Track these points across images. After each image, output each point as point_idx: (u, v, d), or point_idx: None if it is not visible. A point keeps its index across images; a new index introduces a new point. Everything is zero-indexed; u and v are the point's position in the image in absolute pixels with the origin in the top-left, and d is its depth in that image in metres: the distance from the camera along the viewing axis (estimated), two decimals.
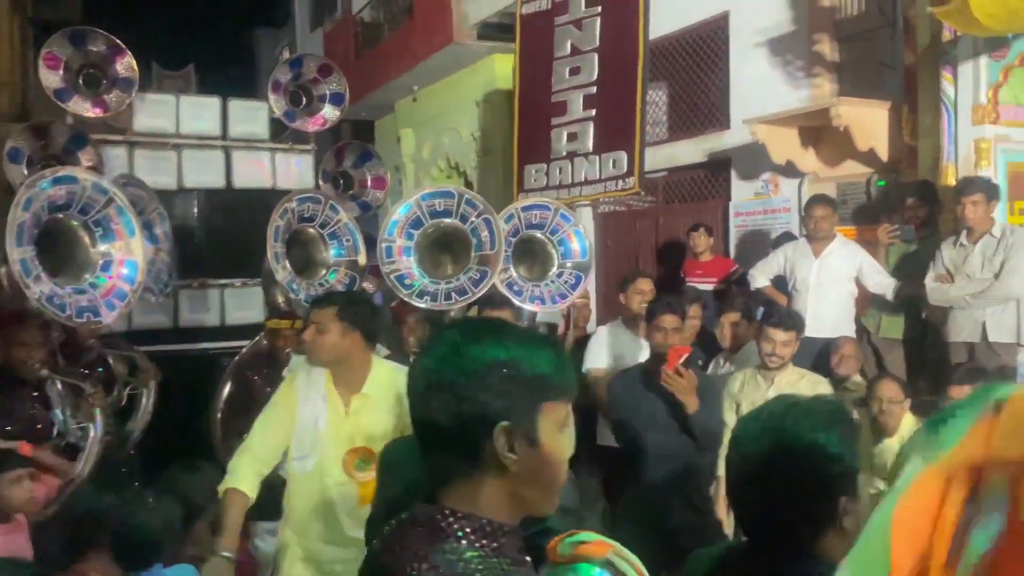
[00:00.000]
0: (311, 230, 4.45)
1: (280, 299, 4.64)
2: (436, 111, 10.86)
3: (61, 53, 5.16)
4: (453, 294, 4.03)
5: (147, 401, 4.32)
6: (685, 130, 7.59)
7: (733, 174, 7.07)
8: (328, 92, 5.93)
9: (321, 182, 5.91)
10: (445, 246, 4.20)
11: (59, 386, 3.44)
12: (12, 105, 14.07)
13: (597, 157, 5.84)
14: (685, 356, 3.24)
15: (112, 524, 2.41)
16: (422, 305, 4.03)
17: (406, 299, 3.95)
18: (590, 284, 7.64)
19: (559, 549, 1.12)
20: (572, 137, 6.16)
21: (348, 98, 6.04)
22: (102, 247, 3.69)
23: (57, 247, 3.53)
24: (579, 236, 4.40)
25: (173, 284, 5.09)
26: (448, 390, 1.09)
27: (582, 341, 4.98)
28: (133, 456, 4.35)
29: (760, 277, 5.24)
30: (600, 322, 5.57)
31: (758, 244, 6.29)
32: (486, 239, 4.06)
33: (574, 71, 6.27)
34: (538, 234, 4.39)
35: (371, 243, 4.88)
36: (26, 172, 5.01)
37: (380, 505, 2.06)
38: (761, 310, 4.91)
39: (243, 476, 2.66)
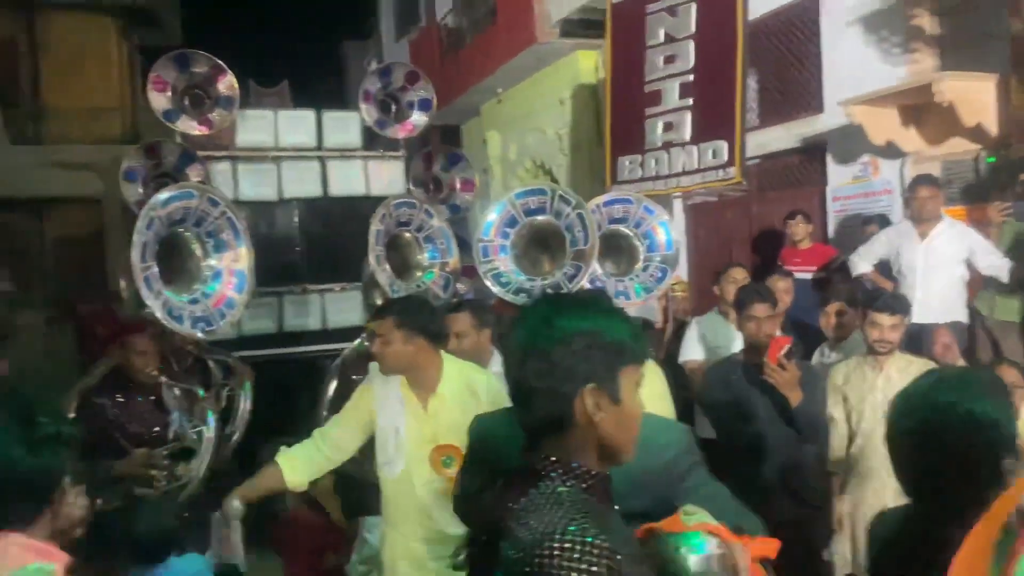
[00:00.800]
0: (407, 234, 4.58)
1: (379, 301, 4.78)
2: (521, 111, 10.93)
3: (167, 76, 5.46)
4: (549, 291, 4.07)
5: (244, 403, 4.47)
6: (777, 115, 7.40)
7: (829, 158, 6.84)
8: (416, 99, 6.06)
9: (412, 187, 6.05)
10: (540, 243, 4.25)
11: (176, 391, 3.63)
12: (124, 129, 15.00)
13: (695, 147, 5.74)
14: (786, 347, 3.17)
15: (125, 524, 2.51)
16: (519, 302, 4.08)
17: (503, 297, 4.01)
18: (682, 276, 7.56)
19: (681, 519, 1.27)
20: (668, 127, 6.07)
21: (435, 103, 6.16)
22: (213, 258, 3.87)
23: (173, 258, 3.73)
24: (664, 228, 4.37)
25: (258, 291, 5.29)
26: (541, 357, 1.27)
27: (678, 334, 4.94)
28: (232, 458, 4.49)
29: (862, 263, 5.07)
30: (694, 314, 5.49)
31: (858, 230, 6.07)
32: (580, 235, 4.08)
33: (669, 59, 6.18)
34: (622, 228, 4.37)
35: (461, 245, 4.97)
36: (141, 191, 5.33)
37: (467, 479, 2.11)
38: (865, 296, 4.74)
39: (291, 457, 2.82)
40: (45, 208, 14.18)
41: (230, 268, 3.90)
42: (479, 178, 6.70)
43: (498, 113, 11.61)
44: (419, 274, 4.62)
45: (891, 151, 6.06)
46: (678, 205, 8.28)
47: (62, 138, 14.23)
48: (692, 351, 4.55)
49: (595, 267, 4.35)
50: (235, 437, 4.22)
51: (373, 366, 2.86)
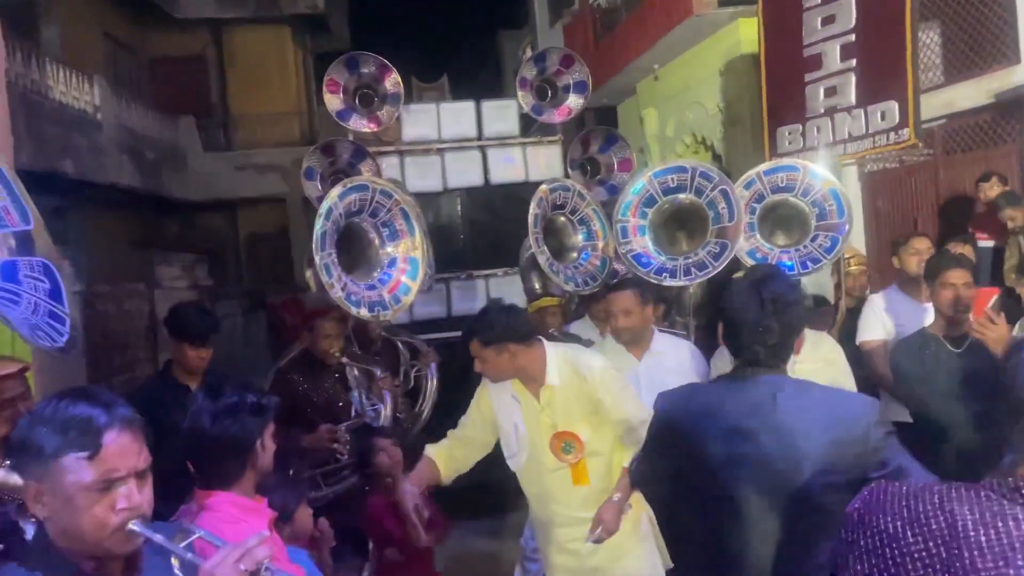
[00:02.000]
0: (562, 218, 4.63)
1: (536, 284, 4.87)
2: (678, 87, 10.68)
3: (340, 78, 5.82)
4: (693, 269, 3.97)
5: (431, 382, 4.69)
6: (964, 71, 6.78)
7: None
8: (571, 82, 6.10)
9: (569, 170, 6.09)
10: (681, 222, 4.15)
11: (356, 371, 3.87)
12: (303, 131, 16.09)
13: (862, 111, 5.34)
14: (994, 299, 2.92)
15: None
16: (662, 283, 4.02)
17: (645, 278, 3.96)
18: (861, 251, 7.11)
19: None
20: (830, 92, 5.68)
21: (590, 85, 6.16)
22: (389, 247, 4.06)
23: (352, 247, 3.96)
24: (835, 195, 4.10)
25: (433, 277, 5.51)
26: None
27: (855, 312, 4.66)
28: (423, 437, 4.75)
29: None
30: (873, 291, 5.16)
31: None
32: (724, 211, 3.94)
33: (827, 20, 5.81)
34: (789, 197, 4.15)
35: None
36: (319, 187, 5.73)
37: (653, 458, 2.13)
38: None
39: (437, 449, 3.03)
40: (237, 208, 15.53)
41: (404, 255, 4.08)
42: (636, 157, 6.63)
43: (655, 90, 11.40)
44: (574, 255, 4.65)
45: None
46: (853, 175, 7.79)
47: (249, 143, 15.50)
48: (872, 330, 4.26)
49: (758, 240, 4.18)
50: (424, 415, 4.44)
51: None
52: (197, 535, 1.41)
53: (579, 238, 4.71)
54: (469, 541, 5.12)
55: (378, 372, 3.89)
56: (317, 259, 3.51)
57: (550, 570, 2.98)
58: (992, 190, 5.55)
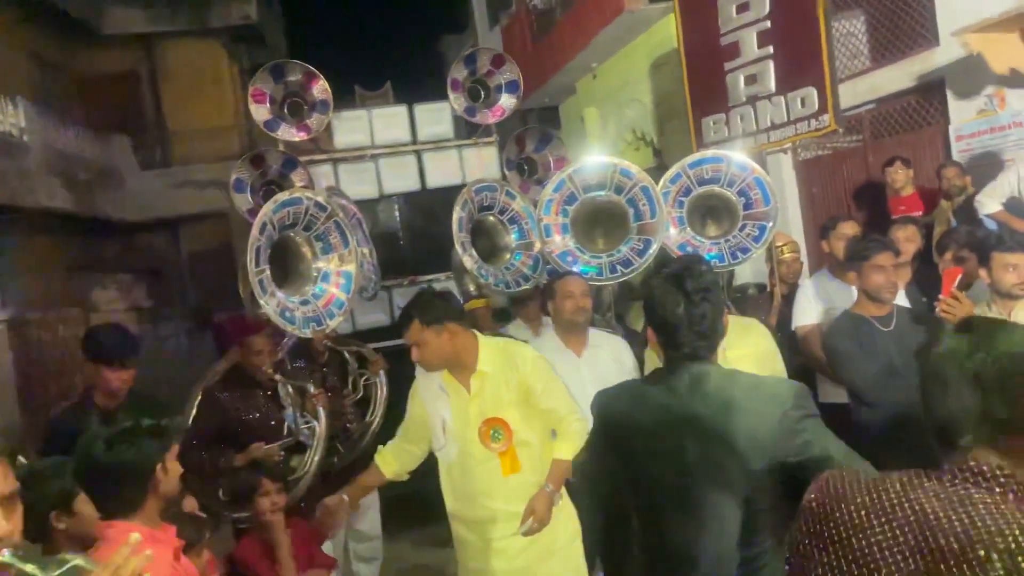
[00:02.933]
0: (491, 218, 4.59)
1: (471, 287, 4.83)
2: (616, 84, 10.74)
3: (265, 88, 5.69)
4: (618, 267, 3.97)
5: (381, 390, 4.60)
6: (888, 55, 6.93)
7: (949, 95, 6.35)
8: (503, 81, 6.06)
9: (506, 171, 6.06)
10: (600, 220, 4.15)
11: (289, 388, 3.78)
12: (241, 145, 15.79)
13: (782, 98, 5.38)
14: (959, 277, 2.98)
15: None
16: (590, 281, 4.02)
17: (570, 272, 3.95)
18: (798, 237, 7.21)
19: None
20: (750, 80, 5.72)
21: (522, 84, 6.13)
22: (322, 260, 4.01)
23: (285, 261, 3.88)
24: (760, 184, 4.13)
25: (379, 284, 5.43)
26: None
27: (790, 298, 4.71)
28: (373, 445, 4.64)
29: (989, 202, 4.68)
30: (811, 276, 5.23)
31: (987, 167, 5.59)
32: (644, 208, 3.96)
33: (742, 8, 5.84)
34: (715, 188, 4.18)
35: None
36: (250, 199, 5.60)
37: (595, 456, 2.10)
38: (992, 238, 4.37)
39: (384, 454, 3.10)
40: (178, 226, 15.17)
41: (337, 270, 4.02)
42: (571, 155, 6.61)
43: (594, 89, 11.46)
44: (507, 256, 4.63)
45: (1018, 79, 5.55)
46: (788, 162, 7.91)
47: (187, 159, 15.16)
48: (805, 315, 4.31)
49: (688, 233, 4.19)
50: (375, 423, 4.36)
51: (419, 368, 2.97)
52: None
53: (512, 238, 4.68)
54: (412, 551, 5.07)
55: (311, 388, 3.79)
56: (250, 272, 3.42)
57: None
58: (896, 174, 5.74)
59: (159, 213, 14.37)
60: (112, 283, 10.83)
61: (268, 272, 3.67)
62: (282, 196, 3.84)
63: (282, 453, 3.54)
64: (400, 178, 6.17)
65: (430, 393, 2.92)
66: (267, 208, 3.69)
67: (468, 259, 4.17)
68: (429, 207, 6.19)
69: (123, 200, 13.80)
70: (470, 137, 6.32)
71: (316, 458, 3.65)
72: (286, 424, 3.69)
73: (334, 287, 4.05)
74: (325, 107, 5.73)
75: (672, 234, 4.08)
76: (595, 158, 4.24)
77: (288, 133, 5.71)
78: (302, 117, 5.78)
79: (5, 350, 6.96)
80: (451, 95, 5.89)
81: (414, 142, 6.20)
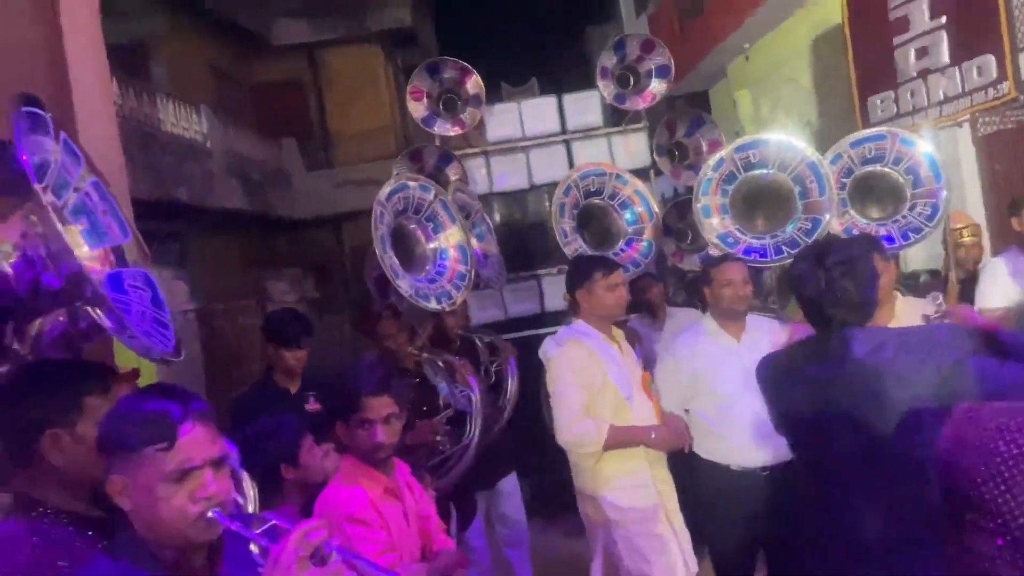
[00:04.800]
0: (598, 202, 4.58)
1: None
2: (771, 65, 10.31)
3: (423, 85, 5.93)
4: (783, 248, 3.80)
5: (511, 379, 4.65)
6: None
7: None
8: (653, 67, 5.99)
9: (656, 157, 5.98)
10: (761, 199, 3.99)
11: (439, 363, 3.91)
12: (398, 144, 16.49)
13: (956, 69, 4.98)
14: None
15: None
16: (752, 264, 3.88)
17: (730, 258, 3.83)
18: (978, 219, 6.64)
19: None
20: (921, 53, 5.33)
21: (673, 68, 6.03)
22: (436, 240, 4.12)
23: (403, 247, 4.00)
24: (930, 160, 3.85)
25: (504, 275, 5.49)
26: None
27: (969, 283, 4.36)
28: (506, 432, 4.57)
29: None
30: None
31: None
32: (812, 185, 3.77)
33: None
34: (879, 168, 3.92)
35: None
36: None
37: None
38: None
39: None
40: (341, 223, 16.07)
41: (453, 245, 4.13)
42: (725, 138, 6.43)
43: (747, 71, 11.06)
44: (620, 242, 4.60)
45: None
46: (967, 138, 7.30)
47: (348, 160, 16.01)
48: (992, 297, 3.97)
49: (852, 215, 3.97)
50: (506, 411, 4.45)
51: (551, 339, 3.20)
52: (272, 522, 1.45)
53: (623, 223, 4.65)
54: (559, 540, 5.10)
55: (456, 360, 3.92)
56: (381, 260, 3.57)
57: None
58: None
59: (323, 211, 15.26)
60: (283, 276, 11.64)
61: (395, 259, 3.80)
62: (390, 185, 3.97)
63: (447, 426, 3.67)
64: (550, 168, 6.23)
65: (606, 354, 3.10)
66: (381, 196, 3.84)
67: (567, 247, 4.20)
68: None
69: (291, 199, 14.78)
70: (618, 125, 6.29)
71: (478, 423, 3.76)
72: (441, 397, 3.83)
73: (454, 262, 4.14)
74: (478, 102, 5.89)
75: (832, 214, 3.88)
76: (757, 135, 4.10)
77: (444, 128, 5.92)
78: (456, 112, 5.97)
79: (195, 337, 7.66)
80: (600, 83, 5.88)
81: (563, 132, 6.25)
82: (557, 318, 6.06)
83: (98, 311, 2.67)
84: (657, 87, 6.00)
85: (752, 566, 3.31)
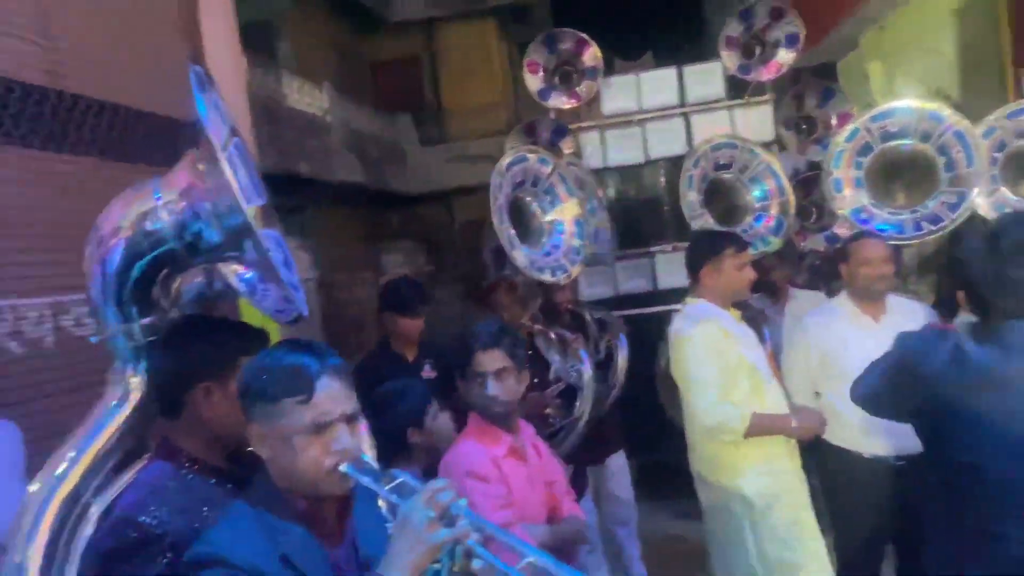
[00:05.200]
0: (727, 176, 4.40)
1: None
2: (909, 35, 9.64)
3: (539, 58, 5.89)
4: (924, 223, 3.54)
5: (621, 355, 4.57)
6: None
7: None
8: (782, 36, 5.72)
9: (783, 130, 5.72)
10: (899, 172, 3.72)
11: (552, 335, 3.89)
12: (508, 120, 16.53)
13: None
14: None
15: None
16: (888, 241, 3.64)
17: (869, 234, 3.60)
18: None
19: None
20: None
21: (803, 37, 5.73)
22: (552, 213, 4.11)
23: (519, 219, 4.00)
24: None
25: (614, 252, 5.40)
26: None
27: None
28: (615, 409, 4.53)
29: None
30: None
31: None
32: (959, 156, 3.48)
33: None
34: None
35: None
36: None
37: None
38: None
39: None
40: (452, 198, 16.30)
41: (570, 219, 4.11)
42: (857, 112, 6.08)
43: (881, 41, 10.39)
44: (748, 218, 4.40)
45: None
46: None
47: (461, 135, 16.19)
48: None
49: (992, 197, 3.67)
50: (616, 387, 4.40)
51: (682, 317, 3.07)
52: (401, 479, 1.47)
53: (752, 198, 4.44)
54: (666, 522, 5.01)
55: (568, 335, 3.89)
56: (499, 231, 3.57)
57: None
58: None
59: (436, 186, 15.51)
60: (398, 249, 11.94)
61: (512, 230, 3.82)
62: (509, 156, 3.96)
63: (558, 400, 3.67)
64: (666, 142, 6.06)
65: (733, 334, 3.00)
66: (500, 167, 3.83)
67: (696, 221, 4.05)
68: None
69: (405, 174, 15.09)
70: (738, 98, 6.05)
71: (589, 398, 3.74)
72: (552, 370, 3.82)
73: (569, 236, 4.12)
74: (595, 74, 5.80)
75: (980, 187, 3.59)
76: (896, 102, 3.83)
77: (559, 101, 5.87)
78: (572, 85, 5.91)
79: (315, 306, 7.97)
80: (723, 53, 5.67)
81: (682, 104, 6.06)
82: (670, 297, 5.94)
83: (236, 271, 2.77)
84: (784, 56, 5.72)
85: (879, 561, 3.14)
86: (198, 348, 1.69)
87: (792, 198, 4.49)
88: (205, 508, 1.59)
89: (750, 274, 3.12)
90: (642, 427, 4.79)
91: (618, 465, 4.36)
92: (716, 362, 2.92)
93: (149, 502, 1.57)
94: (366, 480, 1.43)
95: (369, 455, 2.04)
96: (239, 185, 1.87)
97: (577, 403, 3.75)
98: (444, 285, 12.12)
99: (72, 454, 1.74)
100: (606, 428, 4.18)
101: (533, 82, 5.90)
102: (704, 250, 3.15)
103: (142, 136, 5.28)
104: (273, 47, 12.38)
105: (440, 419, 2.53)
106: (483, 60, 16.83)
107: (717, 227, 4.24)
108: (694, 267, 3.15)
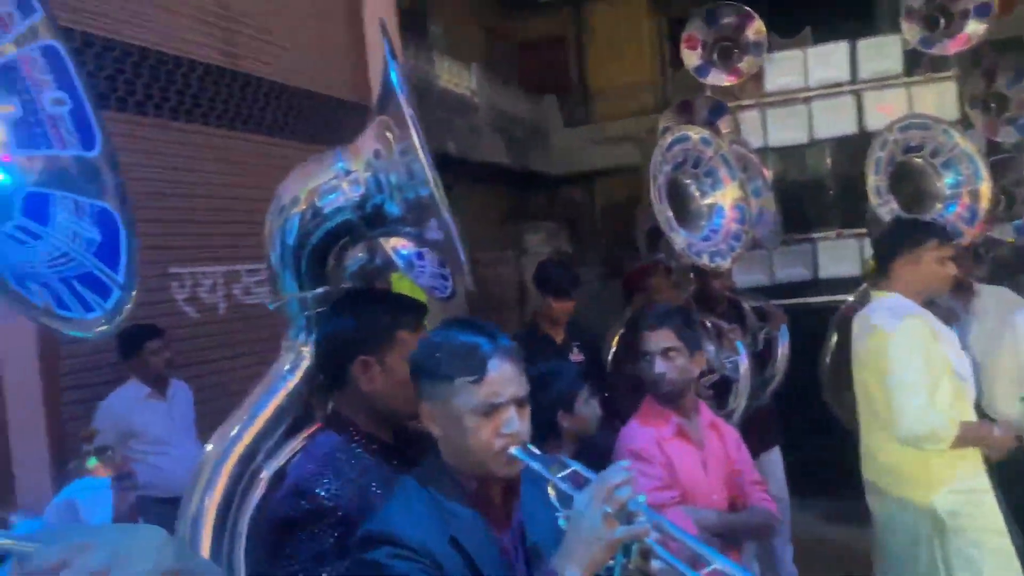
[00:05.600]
0: (918, 160, 4.03)
1: None
2: None
3: (698, 33, 5.66)
4: None
5: (782, 347, 4.38)
6: None
7: None
8: (971, 6, 5.21)
9: (968, 109, 5.22)
10: None
11: (706, 324, 3.74)
12: (656, 100, 16.13)
13: None
14: None
15: None
16: None
17: None
18: None
19: None
20: None
21: (996, 5, 5.20)
22: (712, 196, 3.97)
23: (677, 201, 3.87)
24: None
25: (779, 235, 5.13)
26: None
27: None
28: (772, 401, 4.38)
29: None
30: None
31: None
32: None
33: None
34: None
35: None
36: None
37: None
38: None
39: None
40: (593, 179, 16.15)
41: (731, 203, 3.97)
42: None
43: None
44: (938, 206, 4.03)
45: None
46: None
47: (606, 115, 15.97)
48: None
49: None
50: (775, 380, 4.19)
51: (881, 311, 2.78)
52: (572, 468, 1.41)
53: (944, 184, 4.06)
54: (818, 524, 4.74)
55: (725, 324, 3.72)
56: (658, 213, 3.46)
57: None
58: None
59: (578, 167, 15.40)
60: (539, 230, 11.95)
61: (670, 212, 3.70)
62: (670, 135, 3.85)
63: (710, 391, 3.52)
64: (834, 122, 5.69)
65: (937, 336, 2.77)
66: (661, 145, 3.73)
67: (883, 207, 3.74)
68: (865, 153, 5.62)
69: (549, 155, 15.06)
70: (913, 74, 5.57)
71: (745, 391, 3.58)
72: (706, 360, 3.66)
73: (730, 220, 3.98)
74: (759, 49, 5.53)
75: None
76: None
77: (717, 79, 5.64)
78: (733, 61, 5.64)
79: (460, 284, 8.09)
80: (904, 24, 5.23)
81: (853, 81, 5.65)
82: (833, 287, 5.58)
83: (395, 246, 2.79)
84: (973, 28, 5.22)
85: None
86: (357, 321, 1.68)
87: (988, 185, 4.08)
88: (374, 484, 1.58)
89: (952, 269, 2.81)
90: (793, 422, 4.55)
91: (773, 461, 4.16)
92: (924, 363, 2.65)
93: (324, 474, 1.57)
94: (536, 465, 1.38)
95: None
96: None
97: (731, 396, 3.58)
98: (585, 267, 12.06)
99: (246, 417, 1.78)
100: (762, 422, 3.99)
101: (691, 58, 5.69)
102: (902, 240, 2.85)
103: (311, 116, 5.53)
104: (425, 29, 12.65)
105: (590, 404, 2.47)
106: (632, 38, 16.49)
107: (903, 214, 3.92)
108: (887, 257, 2.86)
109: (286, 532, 1.55)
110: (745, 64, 5.56)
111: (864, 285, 4.19)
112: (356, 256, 2.88)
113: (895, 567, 2.80)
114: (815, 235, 5.50)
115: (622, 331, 4.03)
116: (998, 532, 2.69)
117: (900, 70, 5.57)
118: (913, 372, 2.64)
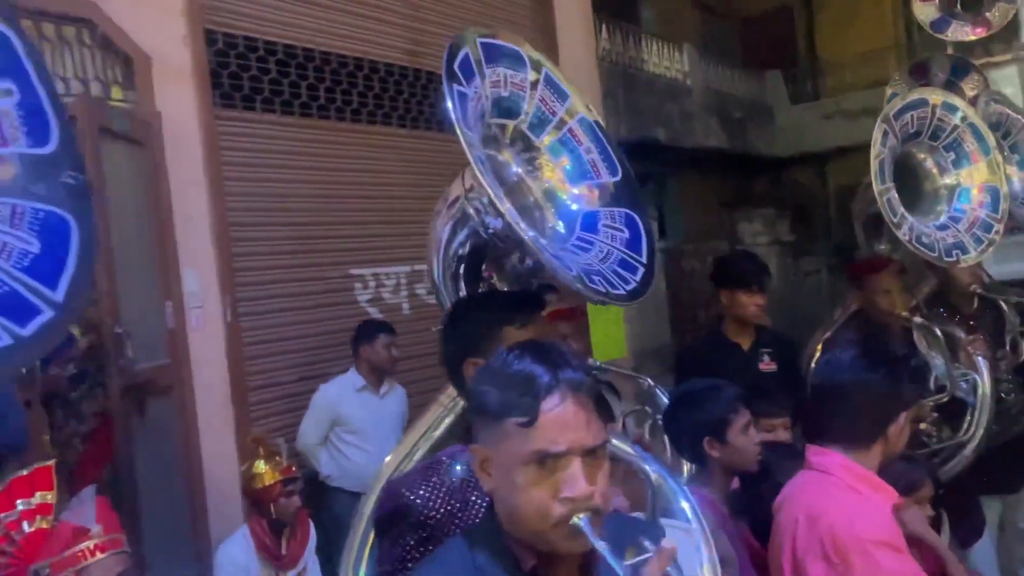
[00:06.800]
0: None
1: None
2: None
3: None
4: None
5: None
6: None
7: None
8: None
9: None
10: None
11: (937, 332, 3.12)
12: (898, 66, 14.45)
13: None
14: None
15: None
16: None
17: None
18: None
19: None
20: None
21: None
22: (953, 175, 3.35)
23: (908, 181, 3.28)
24: None
25: None
26: None
27: None
28: None
29: None
30: None
31: None
32: None
33: None
34: None
35: None
36: None
37: None
38: None
39: None
40: (826, 159, 14.82)
41: (980, 185, 3.31)
42: None
43: None
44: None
45: None
46: None
47: (839, 88, 14.58)
48: None
49: None
50: None
51: None
52: (649, 555, 1.05)
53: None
54: None
55: (961, 334, 3.04)
56: (878, 194, 2.90)
57: None
58: None
59: (807, 147, 14.26)
60: (756, 217, 11.14)
61: (895, 192, 3.12)
62: (901, 100, 3.29)
63: (934, 413, 2.91)
64: None
65: None
66: (887, 112, 3.19)
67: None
68: None
69: (772, 136, 14.06)
70: None
71: (983, 419, 2.91)
72: (933, 376, 3.03)
73: (976, 206, 3.33)
74: None
75: None
76: None
77: (961, 32, 4.77)
78: (980, 11, 4.74)
79: (660, 277, 7.70)
80: None
81: None
82: None
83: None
84: None
85: None
86: (463, 324, 1.63)
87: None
88: (455, 503, 1.50)
89: None
90: None
91: None
92: None
93: (421, 480, 1.53)
94: (601, 545, 1.04)
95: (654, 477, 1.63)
96: (575, 163, 1.97)
97: (967, 420, 2.93)
98: (811, 256, 11.03)
99: (422, 431, 1.84)
100: (1021, 448, 3.27)
101: (925, 11, 4.86)
102: None
103: None
104: (636, 13, 12.26)
105: (748, 433, 2.04)
106: (870, 2, 14.94)
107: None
108: None
109: (375, 527, 1.60)
110: (996, 13, 4.63)
111: None
112: (510, 258, 2.69)
113: None
114: None
115: (827, 336, 3.47)
116: None
117: None
118: None
